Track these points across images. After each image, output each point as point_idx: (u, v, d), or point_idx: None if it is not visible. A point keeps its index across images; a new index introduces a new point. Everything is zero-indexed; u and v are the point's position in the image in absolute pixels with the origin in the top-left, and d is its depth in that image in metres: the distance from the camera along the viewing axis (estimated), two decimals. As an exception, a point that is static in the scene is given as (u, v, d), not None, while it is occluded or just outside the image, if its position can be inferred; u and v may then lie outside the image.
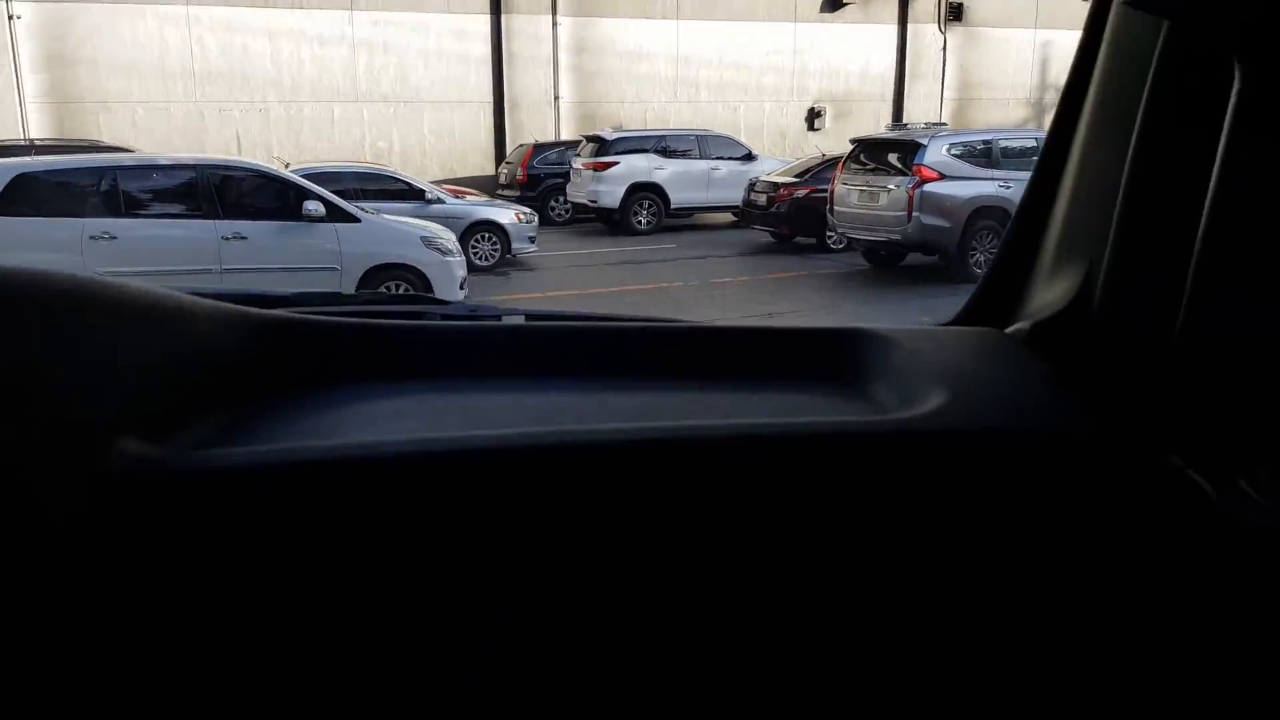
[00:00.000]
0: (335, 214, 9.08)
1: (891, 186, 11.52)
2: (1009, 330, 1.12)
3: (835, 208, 12.48)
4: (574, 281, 12.27)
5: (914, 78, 24.66)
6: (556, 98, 21.10)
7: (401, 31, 19.79)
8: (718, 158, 17.43)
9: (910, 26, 24.35)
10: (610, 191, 16.66)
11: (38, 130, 17.57)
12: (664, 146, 17.26)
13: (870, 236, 11.96)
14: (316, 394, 0.96)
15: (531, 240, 13.20)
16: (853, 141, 13.15)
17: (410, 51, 19.94)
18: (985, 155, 11.83)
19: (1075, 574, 0.92)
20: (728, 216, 18.06)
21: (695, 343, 1.12)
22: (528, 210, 13.53)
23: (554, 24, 20.77)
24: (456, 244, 9.76)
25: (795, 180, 14.57)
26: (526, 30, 20.57)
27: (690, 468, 0.87)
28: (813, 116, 23.83)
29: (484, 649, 0.84)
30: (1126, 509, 0.91)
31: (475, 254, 12.80)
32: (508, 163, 19.53)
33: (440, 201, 12.59)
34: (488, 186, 20.55)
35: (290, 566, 0.79)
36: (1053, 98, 26.92)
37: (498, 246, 12.86)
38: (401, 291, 9.11)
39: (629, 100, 21.98)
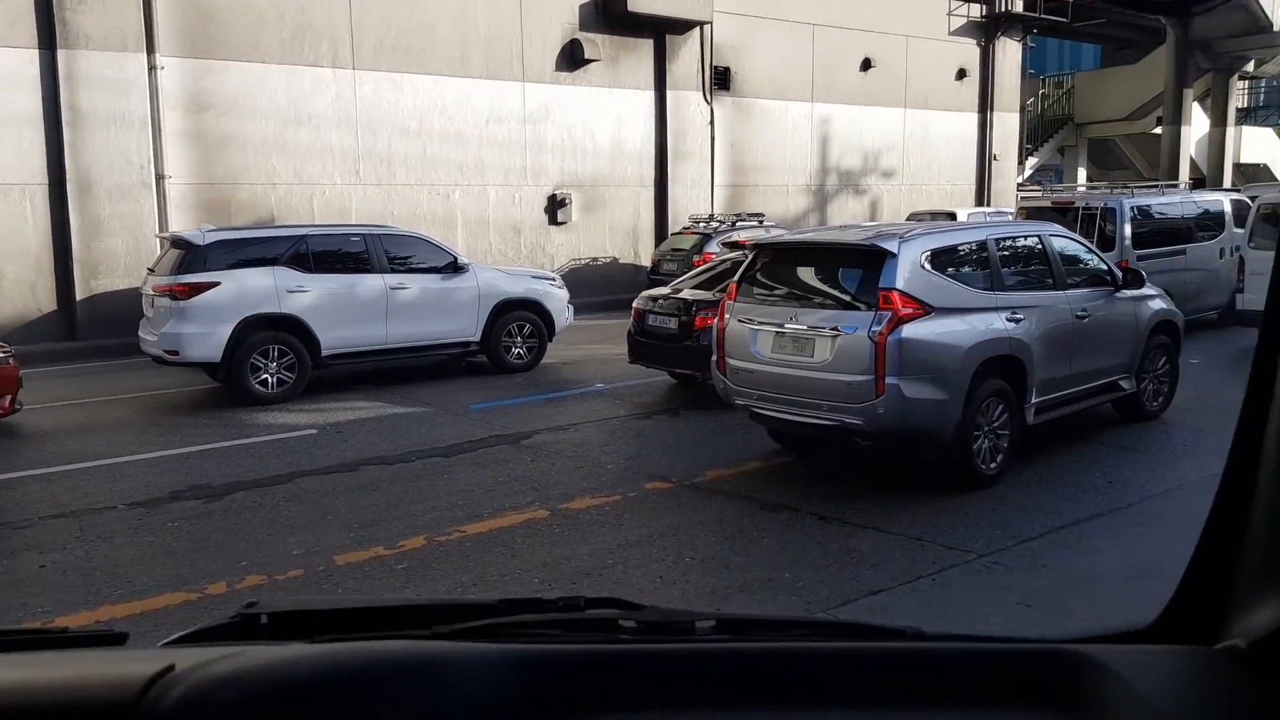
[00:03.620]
0: None
1: (835, 328, 6.33)
2: (1219, 647, 1.09)
3: (727, 359, 7.02)
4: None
5: (678, 157, 19.36)
6: (161, 176, 13.78)
7: None
8: (403, 268, 10.82)
9: (670, 93, 19.11)
10: (204, 335, 9.62)
11: None
12: (305, 252, 10.38)
13: (796, 415, 6.63)
14: None
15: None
16: (752, 248, 7.44)
17: (-116, 99, 12.11)
18: (981, 265, 6.81)
19: None
20: (423, 361, 11.46)
21: (895, 663, 1.12)
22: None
23: (151, 66, 13.58)
24: None
25: (716, 296, 8.71)
26: (104, 74, 13.23)
27: None
28: (555, 206, 17.89)
29: None
30: None
31: None
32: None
33: None
34: (48, 328, 12.94)
35: None
36: (835, 183, 22.60)
37: None
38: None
39: (283, 181, 15.02)
